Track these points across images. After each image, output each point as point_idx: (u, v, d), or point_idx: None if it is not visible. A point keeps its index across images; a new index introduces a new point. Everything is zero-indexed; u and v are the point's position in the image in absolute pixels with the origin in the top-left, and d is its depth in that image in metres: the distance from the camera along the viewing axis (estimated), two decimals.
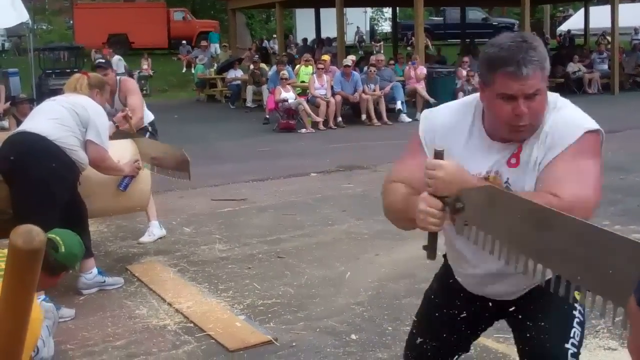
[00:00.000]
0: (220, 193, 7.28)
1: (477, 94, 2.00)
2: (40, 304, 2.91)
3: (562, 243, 1.58)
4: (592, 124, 1.89)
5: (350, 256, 4.97)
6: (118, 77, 5.52)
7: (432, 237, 1.85)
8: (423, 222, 1.80)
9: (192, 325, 3.82)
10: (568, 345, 1.97)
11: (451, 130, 1.99)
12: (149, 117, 5.64)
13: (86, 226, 4.29)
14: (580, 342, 2.02)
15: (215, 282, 4.53)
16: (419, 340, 2.25)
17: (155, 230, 5.50)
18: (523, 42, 1.82)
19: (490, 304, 2.14)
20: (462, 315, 2.17)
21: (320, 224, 5.89)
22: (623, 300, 1.38)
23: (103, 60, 5.88)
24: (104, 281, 4.42)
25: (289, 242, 5.39)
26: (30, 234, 1.30)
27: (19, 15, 10.71)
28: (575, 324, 2.01)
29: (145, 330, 3.80)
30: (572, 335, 1.99)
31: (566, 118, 1.89)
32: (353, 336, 3.61)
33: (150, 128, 5.60)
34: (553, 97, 1.94)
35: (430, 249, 1.86)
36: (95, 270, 4.37)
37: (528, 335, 2.03)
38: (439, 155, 1.80)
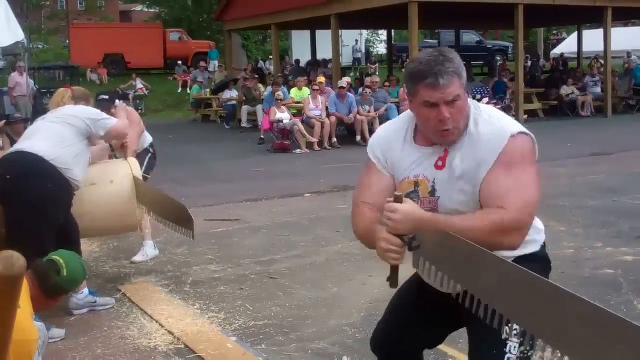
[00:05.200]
0: (214, 213, 7.26)
1: (408, 111, 2.20)
2: (40, 329, 2.88)
3: (494, 283, 1.82)
4: (515, 128, 2.04)
5: (344, 277, 4.96)
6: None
7: (394, 269, 2.06)
8: (384, 257, 2.02)
9: (183, 346, 3.79)
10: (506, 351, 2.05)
11: (388, 141, 2.21)
12: (148, 139, 5.66)
13: (78, 246, 4.27)
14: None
15: (207, 302, 4.50)
16: (384, 326, 2.44)
17: (149, 251, 5.48)
18: (439, 56, 2.01)
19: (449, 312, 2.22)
20: (426, 305, 2.28)
21: (313, 245, 5.88)
22: (544, 335, 1.65)
23: (106, 97, 5.43)
24: (95, 302, 4.40)
25: (282, 262, 5.38)
26: (10, 259, 1.29)
27: (14, 34, 10.72)
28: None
29: (136, 351, 3.77)
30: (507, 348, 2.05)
31: (490, 124, 2.05)
32: (345, 358, 3.59)
33: (151, 150, 5.66)
34: (474, 104, 2.12)
35: (393, 279, 2.08)
36: (86, 291, 4.34)
37: (471, 336, 2.18)
38: (397, 199, 1.98)
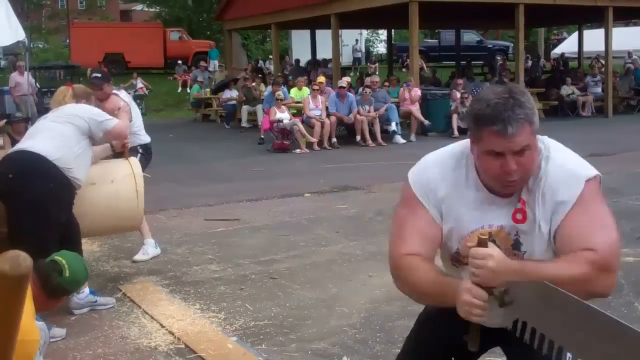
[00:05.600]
0: (214, 213, 7.26)
1: (461, 144, 2.00)
2: (41, 329, 2.88)
3: (602, 342, 1.52)
4: (591, 171, 1.90)
5: (343, 277, 4.96)
6: (114, 92, 5.39)
7: (476, 327, 1.82)
8: (467, 314, 1.78)
9: (183, 346, 3.79)
10: None
11: (445, 183, 1.95)
12: (144, 138, 5.61)
13: (79, 245, 4.26)
14: None
15: (207, 302, 4.50)
16: None
17: (149, 249, 5.48)
18: (509, 99, 1.80)
19: (487, 330, 2.07)
20: (454, 340, 2.09)
21: (313, 245, 5.88)
22: None
23: (99, 74, 5.33)
24: (96, 301, 4.40)
25: (282, 262, 5.38)
26: (17, 259, 1.30)
27: (15, 33, 10.71)
28: None
29: (136, 351, 3.77)
30: None
31: (564, 169, 1.88)
32: (345, 358, 3.59)
33: (140, 149, 5.49)
34: (544, 143, 1.92)
35: (473, 338, 1.85)
36: (87, 290, 4.34)
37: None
38: (483, 242, 1.76)
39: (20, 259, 1.29)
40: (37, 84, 18.33)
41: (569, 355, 1.64)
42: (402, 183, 2.05)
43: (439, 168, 1.98)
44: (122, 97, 5.43)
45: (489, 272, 1.73)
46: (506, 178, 1.83)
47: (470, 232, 1.93)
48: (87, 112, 4.31)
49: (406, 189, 2.01)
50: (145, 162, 5.55)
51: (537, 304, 1.65)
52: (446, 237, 1.97)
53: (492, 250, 1.75)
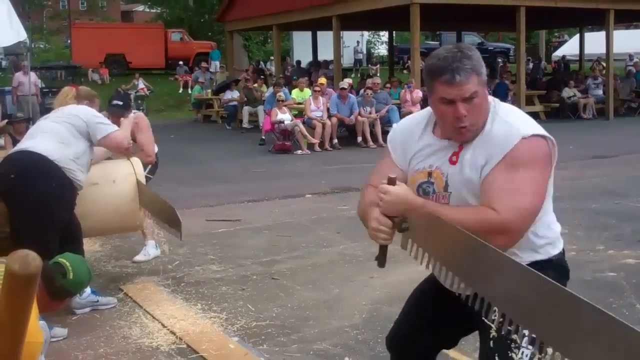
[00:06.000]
0: (215, 213, 7.27)
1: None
2: (42, 328, 2.89)
3: (477, 267, 1.85)
4: (529, 130, 1.99)
5: (345, 278, 4.96)
6: (133, 113, 5.37)
7: (382, 249, 2.11)
8: (374, 237, 2.05)
9: (185, 346, 3.80)
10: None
11: (407, 132, 2.23)
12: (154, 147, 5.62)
13: (80, 245, 4.27)
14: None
15: (209, 303, 4.50)
16: (399, 326, 2.42)
17: (150, 250, 5.49)
18: (458, 52, 2.00)
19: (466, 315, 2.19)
20: (441, 305, 2.26)
21: (315, 246, 5.88)
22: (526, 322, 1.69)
23: (121, 102, 4.97)
24: (97, 301, 4.40)
25: (284, 263, 5.38)
26: (26, 259, 1.30)
27: (16, 34, 10.73)
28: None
29: (138, 351, 3.77)
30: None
31: (505, 124, 2.02)
32: (347, 359, 3.59)
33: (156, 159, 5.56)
34: (494, 101, 2.10)
35: (381, 259, 2.13)
36: (88, 290, 4.34)
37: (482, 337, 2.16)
38: (391, 181, 2.02)
39: (29, 258, 1.29)
40: (43, 84, 18.37)
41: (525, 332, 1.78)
42: None
43: (407, 122, 2.29)
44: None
45: (386, 204, 2.00)
46: (458, 124, 2.01)
47: (414, 172, 2.17)
48: (85, 113, 4.28)
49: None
50: (154, 170, 5.57)
51: (426, 231, 1.99)
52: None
53: (393, 187, 2.00)
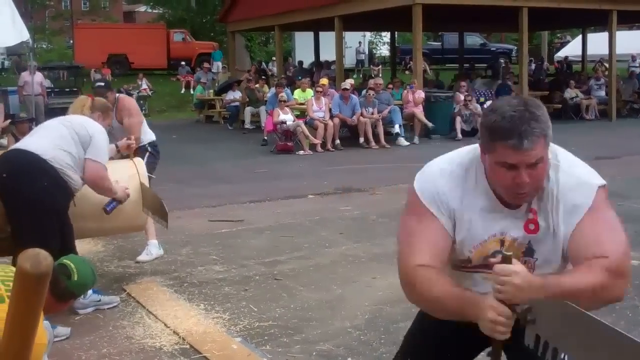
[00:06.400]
0: (218, 214, 7.27)
1: (469, 151, 1.98)
2: (45, 328, 2.89)
3: None
4: (600, 179, 1.93)
5: (347, 279, 4.96)
6: (117, 95, 5.47)
7: (499, 344, 1.81)
8: (491, 331, 1.75)
9: (188, 346, 3.80)
10: None
11: (455, 194, 1.92)
12: (150, 136, 5.64)
13: (73, 248, 4.17)
14: None
15: (211, 303, 4.51)
16: None
17: (153, 250, 5.49)
18: (525, 112, 1.78)
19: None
20: (452, 339, 2.10)
21: (317, 246, 5.88)
22: None
23: (103, 83, 5.57)
24: (100, 300, 4.41)
25: (286, 264, 5.38)
26: (37, 257, 1.30)
27: (19, 34, 10.73)
28: None
29: (141, 351, 3.78)
30: None
31: (574, 178, 1.90)
32: None
33: (150, 149, 5.57)
34: (552, 153, 1.91)
35: (496, 356, 1.84)
36: (90, 289, 4.34)
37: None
38: (507, 259, 1.73)
39: (40, 257, 1.30)
40: (51, 84, 18.40)
41: None
42: (409, 186, 2.02)
43: (448, 177, 1.94)
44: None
45: (514, 289, 1.70)
46: (518, 190, 1.82)
47: (482, 241, 1.93)
48: (95, 131, 4.24)
49: (413, 197, 1.96)
50: (154, 160, 5.59)
51: (559, 324, 1.65)
52: (458, 246, 1.95)
53: (517, 266, 1.72)
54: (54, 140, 4.10)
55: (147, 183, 4.85)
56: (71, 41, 35.64)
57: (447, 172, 1.96)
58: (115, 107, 5.31)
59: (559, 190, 1.87)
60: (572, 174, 1.90)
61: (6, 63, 32.20)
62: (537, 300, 1.68)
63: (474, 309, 1.76)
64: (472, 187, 1.92)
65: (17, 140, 8.04)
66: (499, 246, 1.91)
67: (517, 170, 1.78)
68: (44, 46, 40.75)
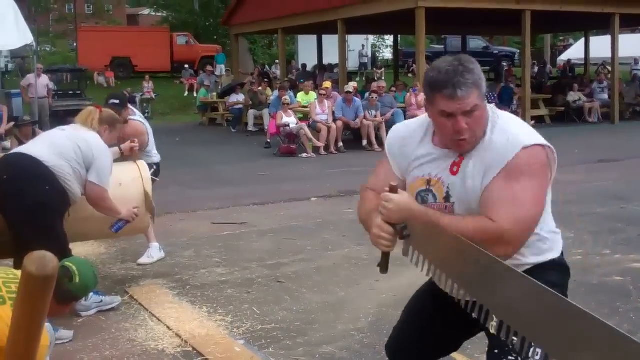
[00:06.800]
0: (221, 217, 7.28)
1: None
2: (47, 330, 2.89)
3: (477, 275, 1.86)
4: (529, 139, 2.01)
5: (351, 282, 4.95)
6: (131, 117, 5.39)
7: (385, 255, 2.14)
8: (376, 244, 2.08)
9: (190, 349, 3.80)
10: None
11: (405, 139, 2.23)
12: (155, 159, 5.61)
13: (68, 253, 4.18)
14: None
15: (214, 306, 4.50)
16: (399, 332, 2.42)
17: (154, 253, 5.49)
18: (459, 65, 1.99)
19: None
20: (442, 310, 2.24)
21: (320, 249, 5.88)
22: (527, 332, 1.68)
23: (117, 101, 5.30)
24: (101, 301, 4.40)
25: (289, 266, 5.38)
26: (43, 260, 1.31)
27: (23, 37, 10.77)
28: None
29: (143, 353, 3.77)
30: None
31: (504, 135, 2.03)
32: None
33: (155, 167, 5.54)
34: (494, 111, 2.10)
35: (383, 265, 2.16)
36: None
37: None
38: (393, 189, 2.04)
39: (46, 260, 1.30)
40: (55, 87, 18.42)
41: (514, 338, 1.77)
42: None
43: (403, 127, 2.31)
44: (140, 119, 5.47)
45: (389, 212, 2.02)
46: (458, 136, 2.01)
47: (413, 180, 2.18)
48: (100, 151, 4.24)
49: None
50: (153, 178, 5.58)
51: (426, 239, 2.01)
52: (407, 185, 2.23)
53: (396, 195, 2.02)
54: (57, 148, 4.11)
55: (150, 186, 4.85)
56: (75, 44, 35.72)
57: (405, 124, 2.33)
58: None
59: (486, 143, 2.03)
60: (504, 130, 2.04)
61: (10, 66, 32.26)
62: (411, 220, 2.01)
63: (371, 225, 2.09)
64: (421, 136, 2.19)
65: (20, 143, 8.07)
66: (425, 185, 2.13)
67: (455, 118, 1.99)
68: (48, 49, 40.82)
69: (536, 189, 1.98)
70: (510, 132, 2.03)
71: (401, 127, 2.32)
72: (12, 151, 4.31)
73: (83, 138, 4.23)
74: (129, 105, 5.56)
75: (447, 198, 2.09)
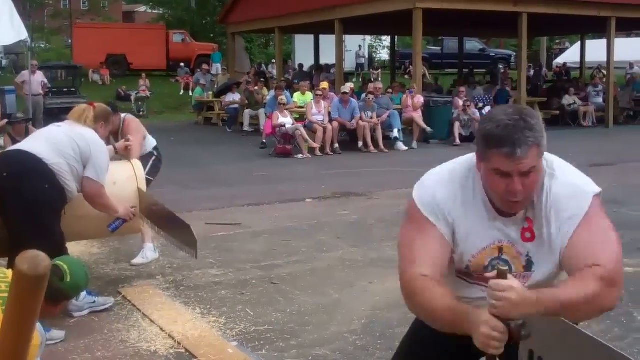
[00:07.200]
0: (215, 217, 7.26)
1: (466, 161, 2.01)
2: (38, 330, 2.88)
3: None
4: (595, 187, 1.94)
5: (345, 284, 4.95)
6: (123, 116, 5.39)
7: (491, 358, 1.78)
8: (485, 346, 1.74)
9: (183, 350, 3.79)
10: None
11: (454, 202, 1.95)
12: (152, 142, 5.63)
13: (64, 251, 4.17)
14: None
15: (208, 307, 4.49)
16: None
17: (148, 253, 5.48)
18: (520, 121, 1.81)
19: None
20: (448, 348, 2.08)
21: (314, 251, 5.87)
22: None
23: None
24: (94, 301, 4.38)
25: (283, 268, 5.37)
26: (35, 259, 1.30)
27: (17, 33, 10.72)
28: None
29: (136, 355, 3.76)
30: None
31: (569, 185, 1.92)
32: None
33: (155, 152, 5.61)
34: (546, 160, 1.93)
35: None
36: (84, 291, 4.32)
37: None
38: (502, 274, 1.73)
39: (39, 259, 1.30)
40: (49, 84, 18.36)
41: None
42: (408, 200, 2.04)
43: (447, 187, 1.97)
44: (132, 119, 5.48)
45: (509, 305, 1.69)
46: (511, 198, 1.85)
47: (481, 249, 1.95)
48: (97, 148, 4.24)
49: (412, 207, 1.99)
50: (158, 164, 5.62)
51: (553, 340, 1.66)
52: (457, 256, 1.98)
53: (513, 282, 1.72)
54: (55, 145, 4.11)
55: (144, 186, 4.84)
56: (70, 41, 35.58)
57: (445, 182, 1.99)
58: (120, 129, 5.26)
59: (553, 199, 1.90)
60: (566, 182, 1.92)
61: (4, 62, 32.14)
62: (532, 316, 1.69)
63: (469, 323, 1.76)
64: (470, 196, 1.95)
65: (13, 140, 8.03)
66: (497, 253, 1.93)
67: (510, 178, 1.82)
68: (42, 45, 40.67)
69: (612, 227, 1.92)
70: (572, 182, 1.93)
71: (442, 186, 1.98)
72: (11, 147, 4.29)
73: (80, 134, 4.23)
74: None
75: (529, 267, 1.94)
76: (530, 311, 1.70)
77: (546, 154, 1.94)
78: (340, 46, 17.39)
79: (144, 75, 24.35)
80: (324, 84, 15.09)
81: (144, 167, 5.11)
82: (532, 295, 1.72)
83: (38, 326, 3.34)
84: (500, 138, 1.80)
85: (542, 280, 1.94)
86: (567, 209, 1.88)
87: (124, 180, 4.70)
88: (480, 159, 1.88)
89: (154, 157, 5.54)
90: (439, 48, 33.14)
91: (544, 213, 1.90)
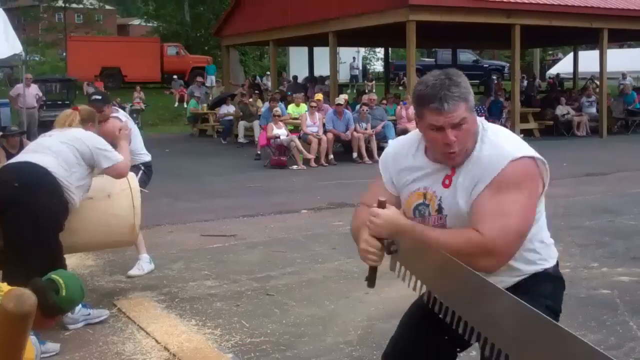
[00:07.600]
0: (210, 229, 7.25)
1: None
2: (33, 343, 2.87)
3: (461, 291, 1.89)
4: (517, 152, 2.04)
5: (340, 294, 4.94)
6: (114, 115, 5.37)
7: (372, 269, 2.15)
8: (363, 258, 2.10)
9: None
10: None
11: (398, 155, 2.27)
12: (144, 157, 5.62)
13: (63, 265, 4.18)
14: None
15: (203, 318, 4.48)
16: (395, 343, 2.38)
17: (144, 265, 5.46)
18: (446, 79, 2.03)
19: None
20: (440, 320, 2.20)
21: (310, 262, 5.87)
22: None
23: (99, 97, 5.44)
24: (89, 314, 4.37)
25: (279, 279, 5.36)
26: (21, 298, 1.31)
27: (11, 46, 10.72)
28: None
29: None
30: None
31: (492, 147, 2.07)
32: None
33: (143, 167, 5.54)
34: (483, 125, 2.14)
35: (370, 279, 2.17)
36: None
37: None
38: (381, 204, 2.06)
39: (24, 298, 1.31)
40: (44, 97, 18.36)
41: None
42: None
43: (398, 144, 2.33)
44: (121, 117, 5.45)
45: (375, 226, 2.04)
46: (448, 149, 2.06)
47: (409, 194, 2.21)
48: (92, 141, 4.29)
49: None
50: (146, 180, 5.58)
51: (413, 254, 2.04)
52: (401, 202, 2.26)
53: (383, 210, 2.04)
54: (60, 158, 4.11)
55: (139, 198, 4.83)
56: (64, 54, 35.61)
57: (397, 141, 2.37)
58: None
59: (476, 155, 2.07)
60: (493, 143, 2.07)
61: None
62: (399, 235, 2.04)
63: (358, 239, 2.13)
64: (413, 151, 2.23)
65: (8, 153, 8.01)
66: (422, 198, 2.17)
67: (444, 132, 2.03)
68: (37, 58, 40.65)
69: (524, 201, 2.01)
70: (498, 144, 2.07)
71: (393, 144, 2.36)
72: (18, 159, 4.26)
73: (73, 136, 4.25)
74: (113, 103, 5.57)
75: (440, 210, 2.13)
76: (404, 235, 2.02)
77: (485, 121, 2.16)
78: (334, 58, 17.45)
79: (138, 87, 24.39)
80: (319, 96, 15.13)
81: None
82: (405, 223, 2.04)
83: (33, 339, 3.34)
84: (429, 96, 2.03)
85: (458, 224, 2.08)
86: (482, 169, 2.04)
87: (118, 193, 4.70)
88: (418, 118, 2.12)
89: (140, 172, 5.42)
90: (432, 59, 33.29)
91: (464, 166, 2.08)
